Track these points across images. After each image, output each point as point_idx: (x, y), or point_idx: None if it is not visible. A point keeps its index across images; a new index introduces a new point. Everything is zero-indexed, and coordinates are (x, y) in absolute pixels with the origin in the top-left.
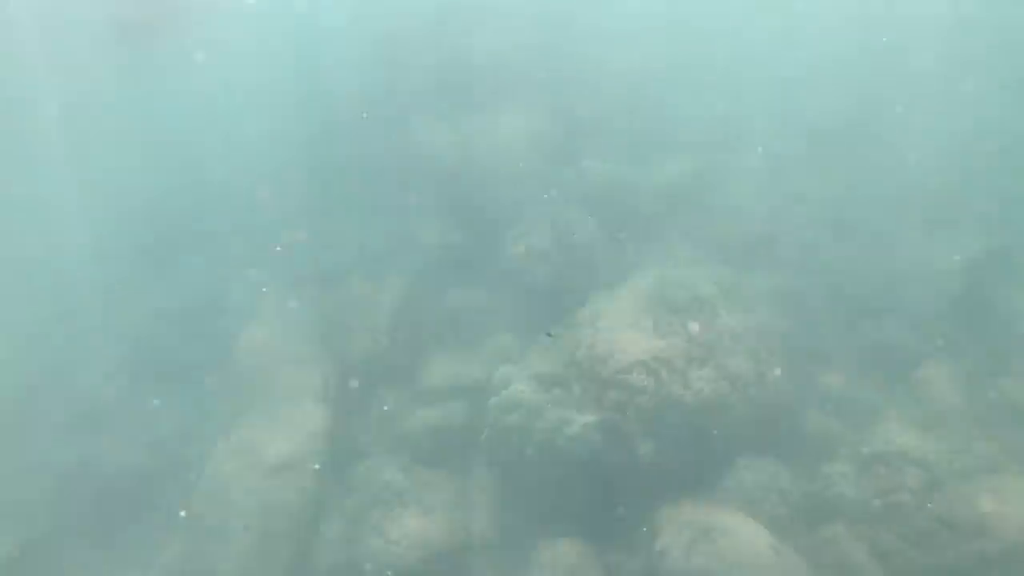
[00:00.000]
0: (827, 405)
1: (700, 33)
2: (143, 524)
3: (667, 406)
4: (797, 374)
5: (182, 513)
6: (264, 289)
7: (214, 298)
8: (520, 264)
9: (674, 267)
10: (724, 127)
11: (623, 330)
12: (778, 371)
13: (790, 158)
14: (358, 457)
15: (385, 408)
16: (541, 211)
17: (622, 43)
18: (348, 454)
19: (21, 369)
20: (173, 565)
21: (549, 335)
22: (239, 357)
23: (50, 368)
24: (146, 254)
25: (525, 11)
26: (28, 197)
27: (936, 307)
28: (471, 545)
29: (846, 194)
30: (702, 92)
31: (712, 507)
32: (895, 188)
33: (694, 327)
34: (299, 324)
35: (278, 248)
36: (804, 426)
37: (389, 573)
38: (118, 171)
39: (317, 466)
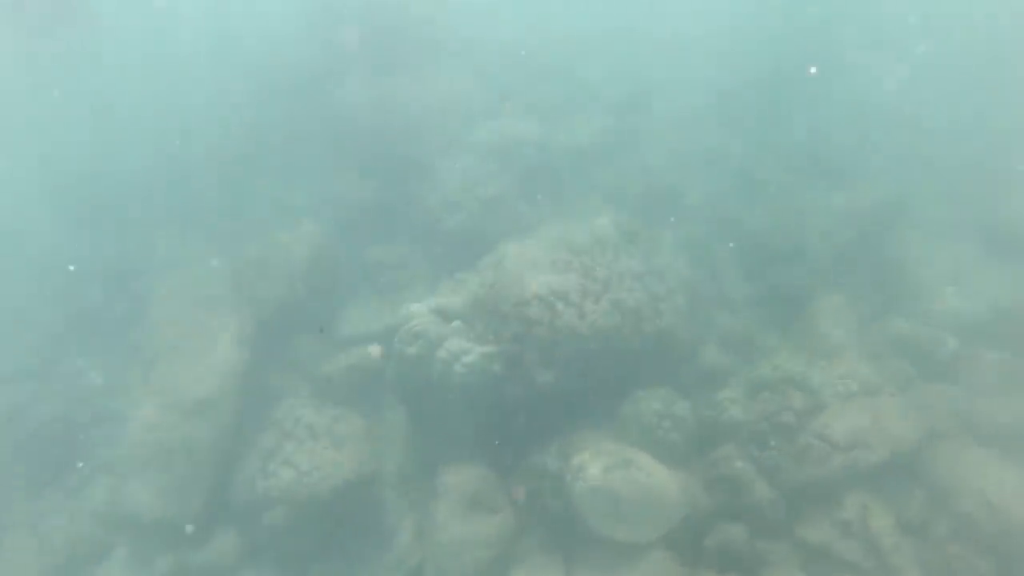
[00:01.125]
0: (724, 342)
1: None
2: (69, 472)
3: (563, 337)
4: (696, 314)
5: (80, 464)
6: (184, 244)
7: (135, 255)
8: (432, 222)
9: (583, 218)
10: (638, 89)
11: (524, 269)
12: (674, 306)
13: (701, 118)
14: (274, 398)
15: (301, 352)
16: (456, 166)
17: (545, 11)
18: (264, 395)
19: None
20: (99, 508)
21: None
22: (159, 308)
23: None
24: (67, 215)
25: None
26: None
27: (833, 254)
28: (380, 475)
29: (752, 151)
30: (618, 55)
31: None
32: (798, 145)
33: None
34: (217, 275)
35: None
36: (700, 360)
37: None
38: (43, 137)
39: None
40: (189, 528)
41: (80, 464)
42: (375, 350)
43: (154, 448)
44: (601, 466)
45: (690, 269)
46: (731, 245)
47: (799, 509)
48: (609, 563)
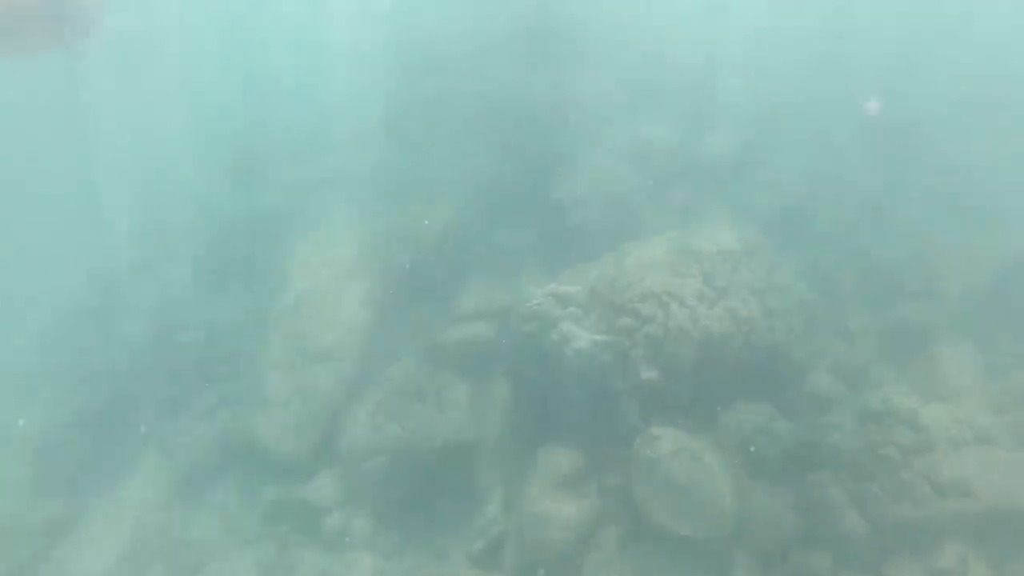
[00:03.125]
0: (836, 368)
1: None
2: (201, 396)
3: (673, 337)
4: (811, 338)
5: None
6: (328, 205)
7: (284, 211)
8: (559, 214)
9: (709, 227)
10: (779, 106)
11: (643, 267)
12: (789, 325)
13: (842, 144)
14: (391, 358)
15: (421, 319)
16: (588, 163)
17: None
18: (382, 354)
19: (117, 258)
20: (221, 435)
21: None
22: (298, 263)
23: (140, 260)
24: (228, 171)
25: None
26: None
27: (968, 295)
28: (479, 443)
29: (892, 181)
30: (762, 71)
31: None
32: (940, 180)
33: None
34: (353, 236)
35: None
36: (809, 383)
37: None
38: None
39: None
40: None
41: (210, 392)
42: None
43: (277, 387)
44: (670, 449)
45: (811, 292)
46: (856, 275)
47: (890, 548)
48: (684, 567)
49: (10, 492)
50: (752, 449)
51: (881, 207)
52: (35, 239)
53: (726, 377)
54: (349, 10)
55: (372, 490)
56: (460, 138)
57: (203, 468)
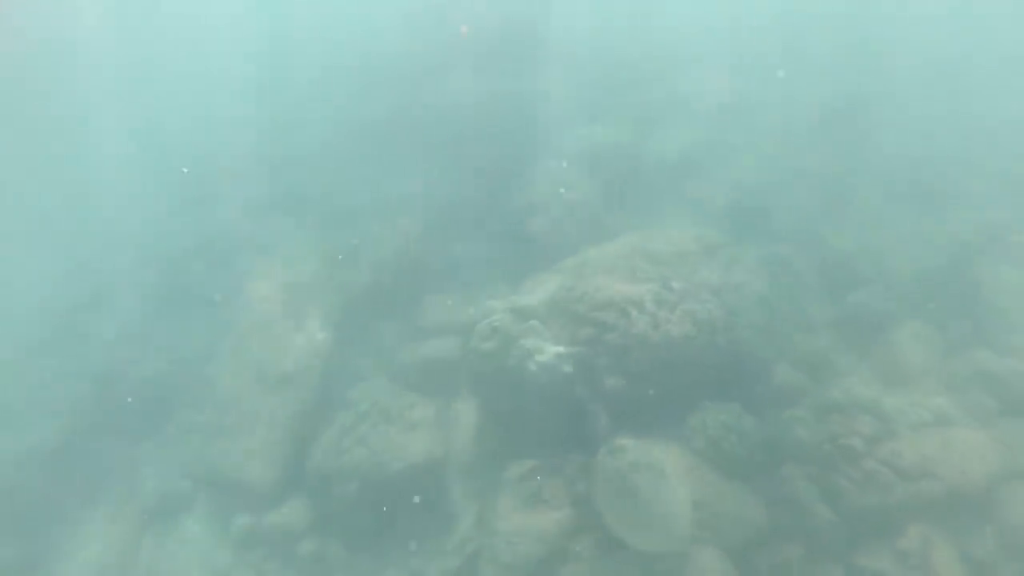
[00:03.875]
0: (798, 360)
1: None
2: (162, 427)
3: (635, 344)
4: (773, 332)
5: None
6: (283, 228)
7: (238, 235)
8: (517, 222)
9: (666, 228)
10: (732, 103)
11: (602, 274)
12: (750, 322)
13: (796, 136)
14: (353, 380)
15: (382, 339)
16: (545, 169)
17: (645, 23)
18: (345, 376)
19: (72, 291)
20: (187, 465)
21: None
22: (254, 287)
23: (96, 292)
24: (179, 196)
25: None
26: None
27: (921, 279)
28: (448, 462)
29: (848, 170)
30: (715, 68)
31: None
32: (892, 167)
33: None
34: (310, 258)
35: None
36: (773, 377)
37: None
38: (163, 126)
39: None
40: None
41: (173, 423)
42: None
43: (240, 415)
44: (633, 460)
45: (770, 287)
46: (813, 265)
47: (859, 535)
48: (659, 570)
49: None
50: (721, 448)
51: (835, 197)
52: None
53: (691, 379)
54: (298, 31)
55: (344, 514)
56: (414, 153)
57: (170, 500)
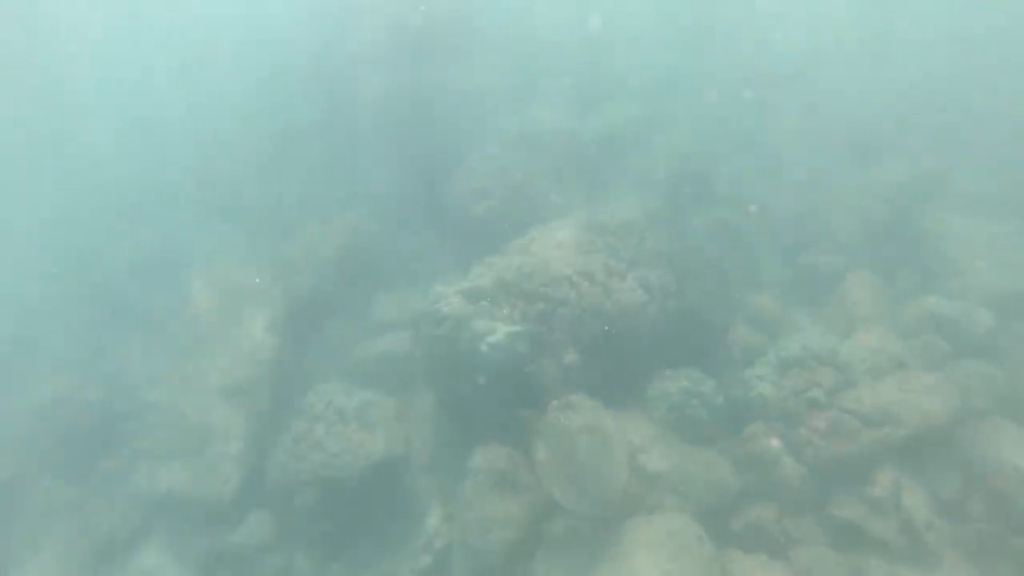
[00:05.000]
0: (754, 321)
1: None
2: (109, 458)
3: (588, 315)
4: (726, 295)
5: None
6: (221, 238)
7: (176, 250)
8: (462, 209)
9: (611, 202)
10: (666, 77)
11: (550, 251)
12: (702, 287)
13: (729, 104)
14: (306, 384)
15: (333, 340)
16: (485, 154)
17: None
18: (297, 381)
19: (3, 319)
20: (138, 492)
21: None
22: (196, 300)
23: (29, 319)
24: (113, 213)
25: None
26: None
27: (865, 231)
28: (409, 457)
29: (784, 134)
30: (647, 45)
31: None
32: (828, 128)
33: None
34: (252, 266)
35: None
36: (730, 340)
37: None
38: (87, 137)
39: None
40: None
41: (120, 451)
42: None
43: (190, 433)
44: (581, 423)
45: (719, 251)
46: (760, 227)
47: (829, 486)
48: (634, 541)
49: None
50: (684, 414)
51: (774, 161)
52: None
53: (648, 347)
54: (223, 31)
55: (308, 523)
56: (350, 150)
57: (124, 531)
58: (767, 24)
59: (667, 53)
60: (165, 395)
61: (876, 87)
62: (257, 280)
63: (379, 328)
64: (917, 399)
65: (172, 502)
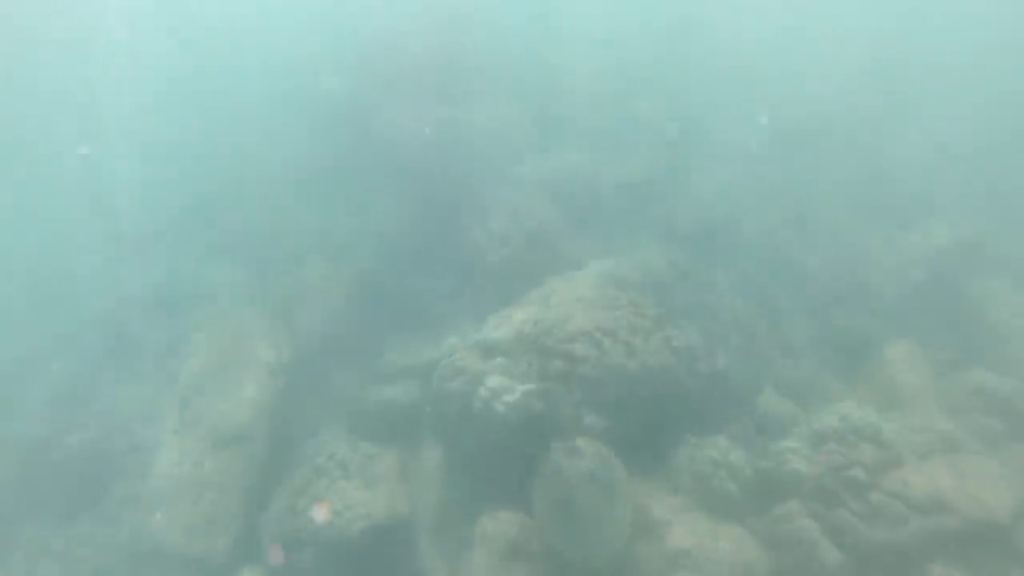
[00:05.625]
0: (783, 386)
1: (672, 33)
2: (100, 500)
3: (611, 376)
4: (753, 355)
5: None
6: (226, 273)
7: (180, 284)
8: (478, 255)
9: (633, 253)
10: (690, 121)
11: (571, 305)
12: (729, 347)
13: (756, 153)
14: (309, 432)
15: (338, 386)
16: (504, 199)
17: (596, 46)
18: (299, 429)
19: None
20: (127, 540)
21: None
22: (198, 338)
23: (25, 351)
24: (116, 243)
25: (505, 14)
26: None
27: (903, 295)
28: (414, 517)
29: (814, 188)
30: (670, 86)
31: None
32: (862, 182)
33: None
34: (257, 304)
35: None
36: (758, 405)
37: None
38: (92, 164)
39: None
40: None
41: (110, 494)
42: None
43: (184, 481)
44: (585, 470)
45: (746, 308)
46: (789, 284)
47: None
48: None
49: None
50: (710, 486)
51: (803, 212)
52: None
53: (672, 410)
54: (234, 63)
55: None
56: (365, 189)
57: None
58: (794, 74)
59: (690, 97)
60: (161, 437)
61: (906, 141)
62: (261, 322)
63: (386, 375)
64: (973, 487)
65: (162, 555)
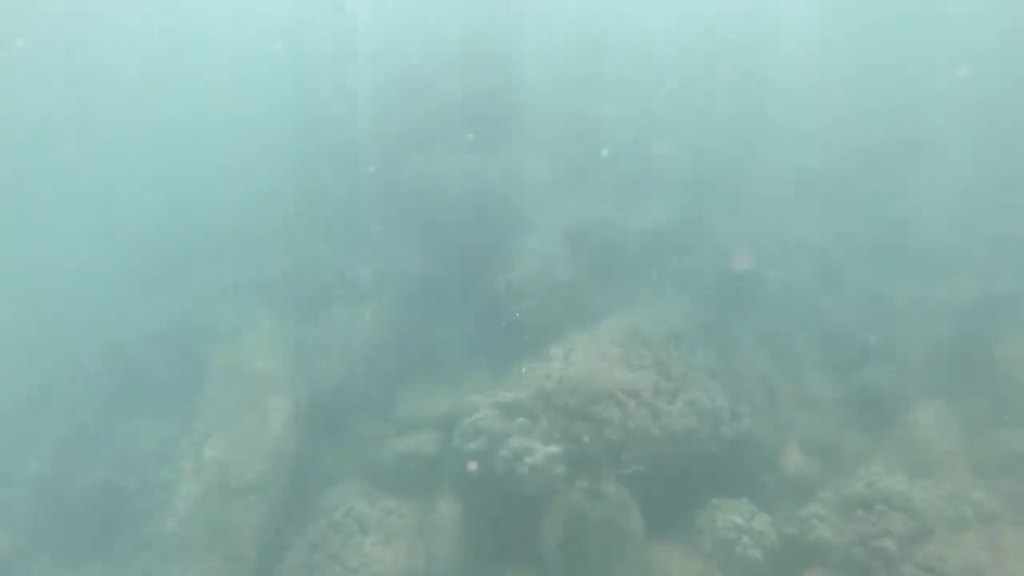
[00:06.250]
0: (809, 447)
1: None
2: (111, 542)
3: (634, 439)
4: (778, 415)
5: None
6: (246, 313)
7: (199, 321)
8: (499, 305)
9: (656, 306)
10: (715, 169)
11: (594, 362)
12: (754, 406)
13: (780, 202)
14: (326, 482)
15: (356, 435)
16: (527, 249)
17: (620, 92)
18: (316, 479)
19: (13, 386)
20: None
21: None
22: (217, 379)
23: (40, 386)
24: (136, 277)
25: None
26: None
27: (931, 352)
28: (430, 574)
29: (836, 238)
30: (696, 133)
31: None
32: (889, 234)
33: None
34: (277, 347)
35: None
36: (783, 467)
37: None
38: (110, 195)
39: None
40: None
41: (123, 535)
42: None
43: (199, 528)
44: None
45: (770, 364)
46: (813, 339)
47: None
48: None
49: None
50: (733, 551)
51: (827, 265)
52: None
53: (695, 473)
54: (261, 100)
55: None
56: (388, 232)
57: None
58: (814, 120)
59: (712, 144)
60: (178, 480)
61: (929, 188)
62: (281, 367)
63: (405, 426)
64: (1009, 560)
65: None
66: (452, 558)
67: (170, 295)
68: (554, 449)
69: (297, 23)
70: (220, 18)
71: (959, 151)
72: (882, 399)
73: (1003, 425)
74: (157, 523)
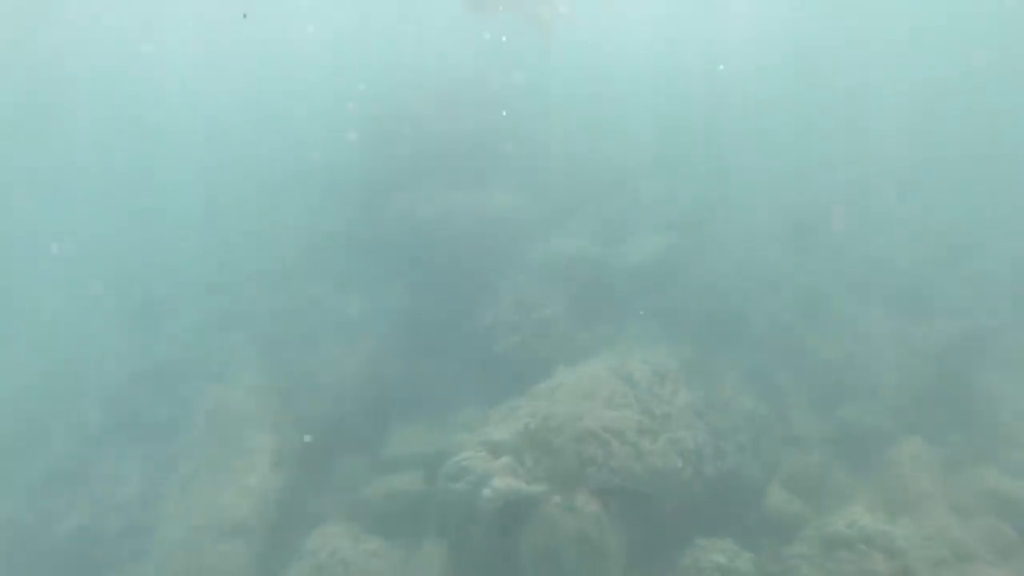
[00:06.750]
0: (792, 482)
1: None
2: None
3: (618, 478)
4: (761, 453)
5: None
6: (233, 351)
7: (185, 360)
8: (486, 342)
9: (642, 343)
10: (699, 207)
11: (579, 401)
12: (738, 445)
13: (763, 239)
14: (311, 523)
15: (342, 474)
16: (514, 286)
17: (606, 133)
18: (301, 519)
19: None
20: None
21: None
22: (203, 420)
23: (26, 426)
24: (122, 315)
25: (519, 100)
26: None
27: (911, 390)
28: None
29: (820, 277)
30: (678, 172)
31: None
32: (869, 272)
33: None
34: (263, 387)
35: None
36: (766, 506)
37: None
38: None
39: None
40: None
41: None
42: None
43: (181, 571)
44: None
45: (755, 403)
46: (797, 377)
47: None
48: None
49: None
50: None
51: (812, 303)
52: None
53: (678, 512)
54: (248, 140)
55: None
56: (375, 270)
57: None
58: (797, 161)
59: (695, 180)
60: (161, 523)
61: (907, 227)
62: (267, 406)
63: (390, 465)
64: None
65: None
66: None
67: (156, 334)
68: (539, 488)
69: (285, 62)
70: (205, 66)
71: (936, 189)
72: (865, 436)
73: (980, 463)
74: (139, 565)
